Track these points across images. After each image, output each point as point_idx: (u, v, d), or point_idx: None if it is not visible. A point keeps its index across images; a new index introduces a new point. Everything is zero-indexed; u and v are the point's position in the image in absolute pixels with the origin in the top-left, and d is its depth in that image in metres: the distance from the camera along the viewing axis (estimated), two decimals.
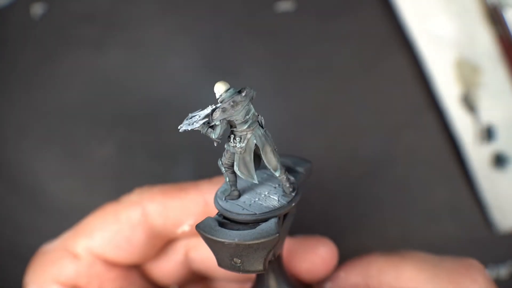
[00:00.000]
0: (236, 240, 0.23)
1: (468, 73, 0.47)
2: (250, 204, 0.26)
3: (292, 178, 0.26)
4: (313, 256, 0.31)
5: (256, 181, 0.25)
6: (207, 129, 0.24)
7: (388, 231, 0.45)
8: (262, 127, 0.25)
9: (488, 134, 0.46)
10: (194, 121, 0.24)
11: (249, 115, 0.24)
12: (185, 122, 0.24)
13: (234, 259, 0.24)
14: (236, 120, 0.24)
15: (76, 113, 0.46)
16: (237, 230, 0.24)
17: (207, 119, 0.24)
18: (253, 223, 0.25)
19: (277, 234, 0.24)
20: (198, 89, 0.47)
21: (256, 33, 0.47)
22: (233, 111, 0.23)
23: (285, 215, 0.26)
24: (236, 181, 0.26)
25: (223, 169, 0.26)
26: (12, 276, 0.40)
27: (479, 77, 0.47)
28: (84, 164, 0.46)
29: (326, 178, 0.46)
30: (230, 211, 0.25)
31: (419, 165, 0.46)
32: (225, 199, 0.26)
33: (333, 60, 0.47)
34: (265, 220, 0.25)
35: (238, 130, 0.24)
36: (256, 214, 0.25)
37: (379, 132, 0.46)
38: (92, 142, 0.46)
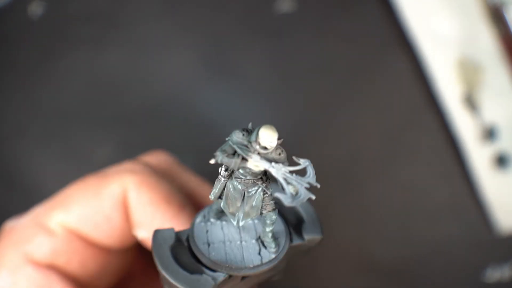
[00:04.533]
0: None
1: (470, 72, 0.46)
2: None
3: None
4: None
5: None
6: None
7: (388, 231, 0.45)
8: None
9: (490, 134, 0.45)
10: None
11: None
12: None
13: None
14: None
15: (75, 113, 0.46)
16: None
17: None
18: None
19: None
20: (198, 89, 0.47)
21: (256, 33, 0.47)
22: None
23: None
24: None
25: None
26: None
27: (481, 77, 0.46)
28: (83, 164, 0.46)
29: (326, 178, 0.46)
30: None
31: (420, 165, 0.46)
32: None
33: (334, 60, 0.47)
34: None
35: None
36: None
37: (380, 132, 0.46)
38: (92, 142, 0.46)
